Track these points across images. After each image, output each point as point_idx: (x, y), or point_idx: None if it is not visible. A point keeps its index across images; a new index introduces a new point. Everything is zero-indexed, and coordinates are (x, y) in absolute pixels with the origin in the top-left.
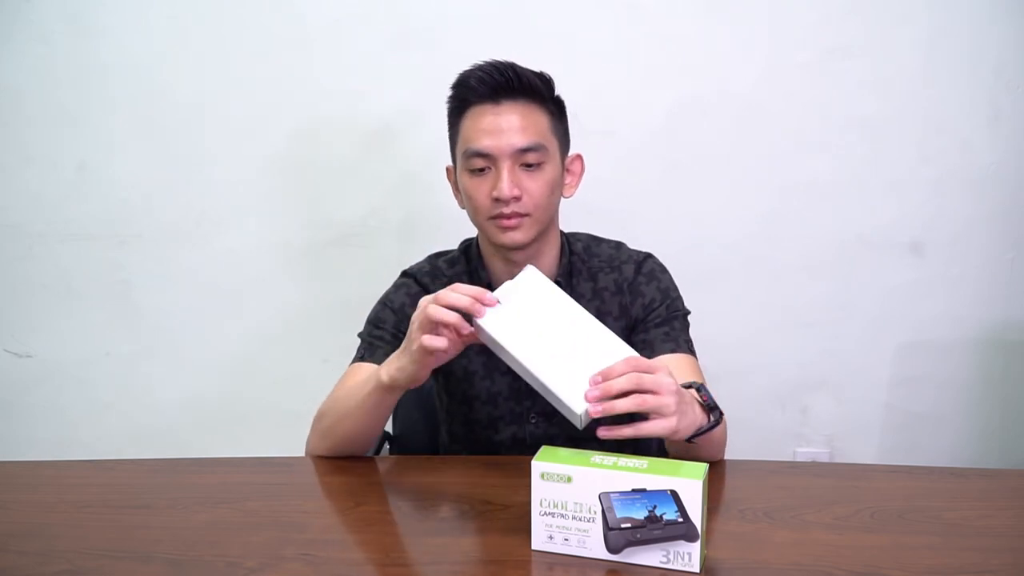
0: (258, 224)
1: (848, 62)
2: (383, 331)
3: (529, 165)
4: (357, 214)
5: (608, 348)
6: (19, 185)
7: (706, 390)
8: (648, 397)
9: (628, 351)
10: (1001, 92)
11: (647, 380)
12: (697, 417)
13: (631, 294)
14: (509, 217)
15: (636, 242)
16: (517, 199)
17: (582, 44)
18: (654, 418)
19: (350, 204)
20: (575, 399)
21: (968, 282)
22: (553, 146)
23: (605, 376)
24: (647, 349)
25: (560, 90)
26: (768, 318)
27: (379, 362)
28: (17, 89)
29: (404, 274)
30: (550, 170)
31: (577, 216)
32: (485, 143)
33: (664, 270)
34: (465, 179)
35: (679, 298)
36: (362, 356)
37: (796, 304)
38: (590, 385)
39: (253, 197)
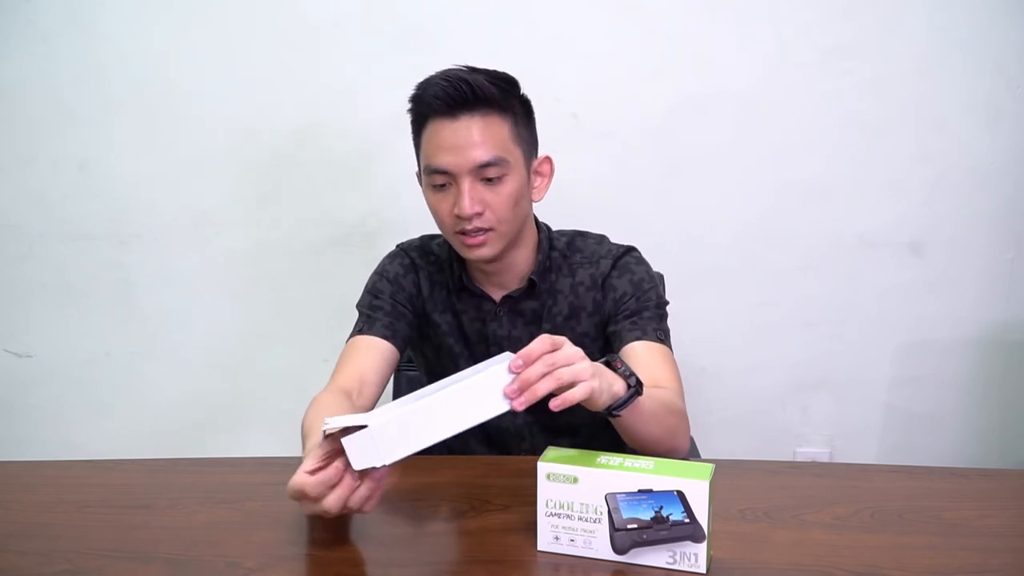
0: (258, 224)
1: (848, 62)
2: (382, 300)
3: (490, 179)
4: (357, 214)
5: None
6: (19, 185)
7: (620, 359)
8: (563, 371)
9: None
10: (1001, 92)
11: (559, 357)
12: (615, 386)
13: (603, 289)
14: (474, 234)
15: (635, 241)
16: (479, 215)
17: (582, 44)
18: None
19: (350, 204)
20: (495, 402)
21: (968, 282)
22: (516, 155)
23: (525, 359)
24: (615, 340)
25: (560, 90)
26: (768, 318)
27: (377, 334)
28: (17, 89)
29: (397, 247)
30: (512, 181)
31: (576, 215)
32: (443, 160)
33: (641, 262)
34: (428, 194)
35: (653, 288)
36: (360, 329)
37: (796, 304)
38: (511, 370)
39: (253, 197)
